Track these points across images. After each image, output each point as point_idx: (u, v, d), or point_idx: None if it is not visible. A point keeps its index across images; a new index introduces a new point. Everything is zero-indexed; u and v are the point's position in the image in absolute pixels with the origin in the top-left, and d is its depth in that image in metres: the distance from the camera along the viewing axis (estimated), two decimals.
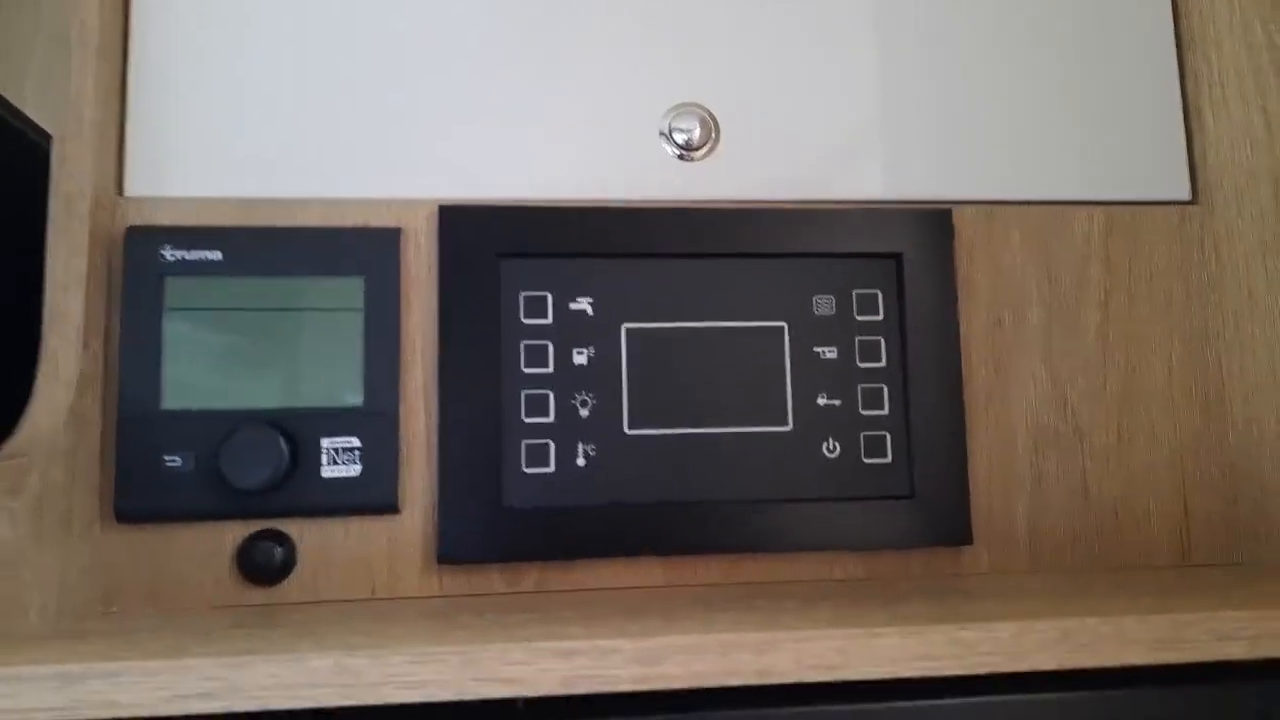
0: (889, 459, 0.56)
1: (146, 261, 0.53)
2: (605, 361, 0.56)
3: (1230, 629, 0.41)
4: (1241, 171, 0.60)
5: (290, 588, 0.53)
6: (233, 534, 0.53)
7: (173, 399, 0.53)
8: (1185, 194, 0.61)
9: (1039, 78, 0.61)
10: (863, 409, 0.57)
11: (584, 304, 0.56)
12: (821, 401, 0.57)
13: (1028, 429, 0.58)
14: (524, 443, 0.55)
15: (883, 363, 0.57)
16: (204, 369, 0.53)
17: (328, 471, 0.53)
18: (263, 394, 0.53)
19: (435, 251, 0.56)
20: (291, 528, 0.53)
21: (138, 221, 0.54)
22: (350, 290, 0.55)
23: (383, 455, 0.53)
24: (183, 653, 0.37)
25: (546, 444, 0.55)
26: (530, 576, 0.54)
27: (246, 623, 0.46)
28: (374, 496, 0.53)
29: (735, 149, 0.59)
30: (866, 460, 0.56)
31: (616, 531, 0.54)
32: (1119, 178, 0.61)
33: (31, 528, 0.46)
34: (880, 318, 0.58)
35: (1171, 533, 0.58)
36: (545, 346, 0.56)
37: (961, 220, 0.59)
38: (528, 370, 0.55)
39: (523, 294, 0.56)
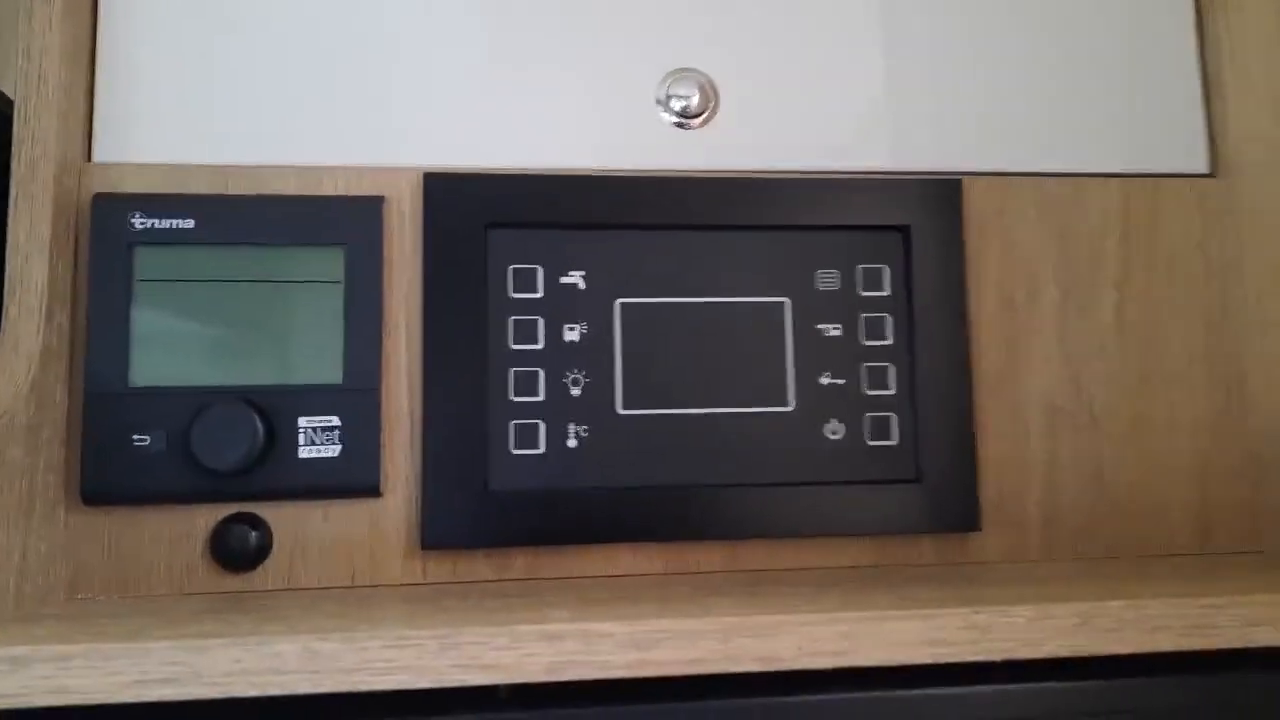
0: (895, 441, 0.54)
1: (114, 230, 0.51)
2: (598, 338, 0.53)
3: (1263, 615, 0.38)
4: (1261, 145, 0.58)
5: (266, 574, 0.50)
6: (205, 517, 0.50)
7: (142, 375, 0.50)
8: (1204, 167, 0.59)
9: (1052, 44, 0.59)
10: (868, 389, 0.54)
11: (576, 277, 0.54)
12: (824, 381, 0.54)
13: (1040, 411, 0.55)
14: (512, 423, 0.52)
15: (889, 340, 0.55)
16: (175, 344, 0.51)
17: (305, 452, 0.50)
18: (237, 370, 0.51)
19: (420, 221, 0.53)
20: (267, 511, 0.50)
21: (105, 188, 0.51)
22: (330, 261, 0.52)
23: (363, 435, 0.51)
24: (141, 636, 0.35)
25: (536, 424, 0.52)
26: (519, 563, 0.52)
27: (215, 608, 0.43)
28: (354, 478, 0.51)
29: (735, 117, 0.57)
30: (871, 442, 0.54)
31: (610, 516, 0.52)
32: (1136, 150, 0.58)
33: None
34: (887, 293, 0.55)
35: (1190, 519, 0.55)
36: (535, 322, 0.53)
37: (972, 192, 0.56)
38: (516, 347, 0.53)
39: (512, 267, 0.53)
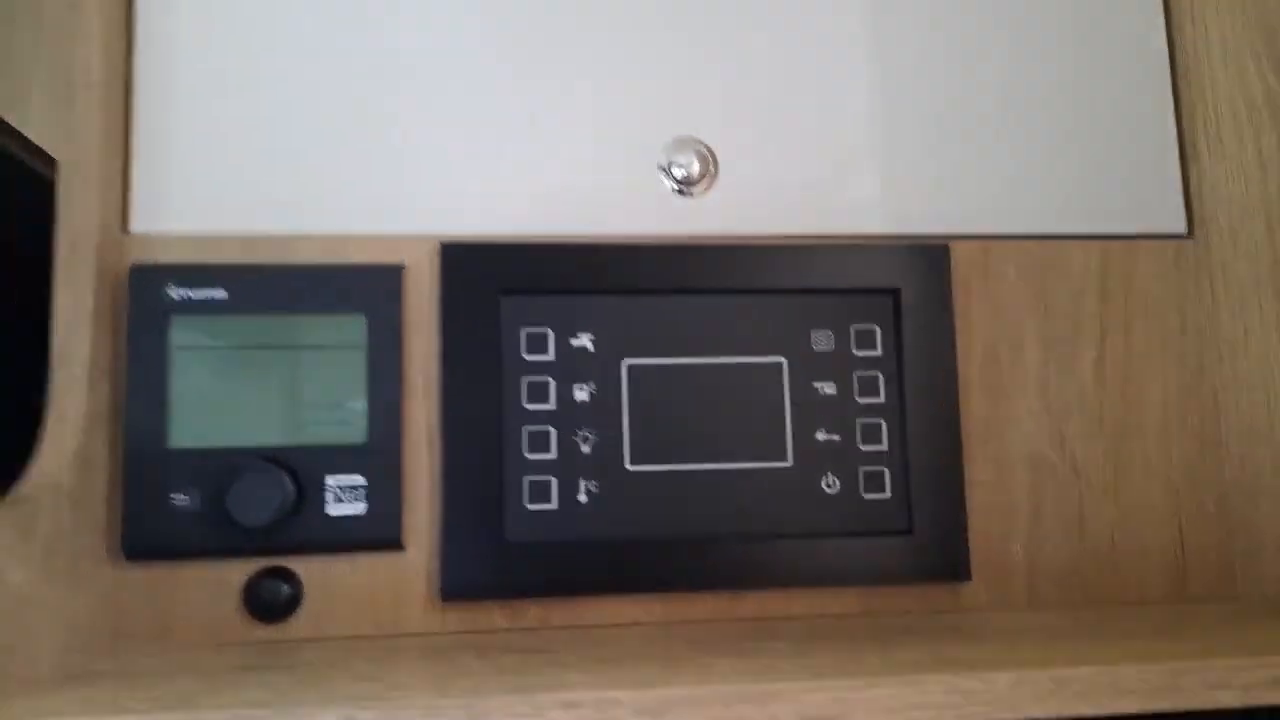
0: (888, 494, 0.57)
1: (152, 300, 0.54)
2: (606, 398, 0.56)
3: (1223, 678, 0.41)
4: (1236, 207, 0.61)
5: (296, 624, 0.53)
6: (239, 571, 0.53)
7: (179, 437, 0.53)
8: (1181, 228, 0.62)
9: (1035, 113, 0.62)
10: (862, 444, 0.57)
11: (585, 340, 0.57)
12: (821, 437, 0.57)
13: (1025, 463, 0.58)
14: (526, 479, 0.55)
15: (881, 398, 0.58)
16: (209, 407, 0.54)
17: (333, 509, 0.53)
18: (268, 431, 0.54)
19: (437, 288, 0.56)
20: (297, 565, 0.54)
21: (142, 259, 0.55)
22: (353, 327, 0.55)
23: (387, 492, 0.54)
24: (192, 704, 0.38)
25: (549, 480, 0.56)
26: (532, 612, 0.55)
27: (254, 664, 0.46)
28: (378, 533, 0.54)
29: (733, 183, 0.60)
30: (865, 495, 0.57)
31: (618, 568, 0.55)
32: (1115, 212, 0.62)
33: (42, 570, 0.46)
34: (878, 353, 0.58)
35: (1167, 567, 0.59)
36: (547, 383, 0.56)
37: (958, 255, 0.59)
38: (529, 406, 0.56)
39: (524, 330, 0.57)
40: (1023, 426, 0.59)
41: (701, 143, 0.60)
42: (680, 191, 0.59)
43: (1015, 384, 0.59)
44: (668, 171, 0.59)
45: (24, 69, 0.90)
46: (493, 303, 0.56)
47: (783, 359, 0.57)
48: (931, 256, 0.59)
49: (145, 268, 0.54)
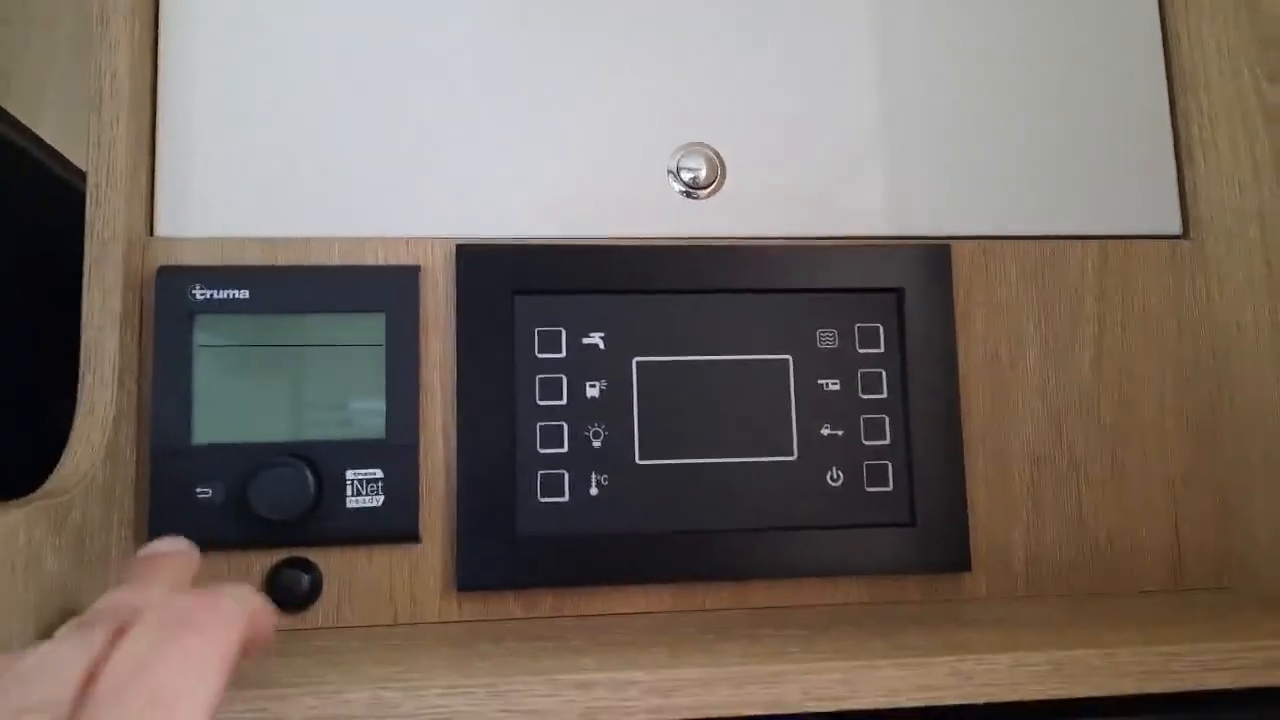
0: (890, 488, 0.58)
1: (177, 301, 0.55)
2: (617, 394, 0.58)
3: (1216, 660, 0.43)
4: (1230, 210, 0.62)
5: (316, 614, 0.55)
6: (261, 562, 0.55)
7: (203, 433, 0.55)
8: (1177, 229, 0.64)
9: (1035, 117, 0.63)
10: (865, 439, 0.59)
11: (596, 339, 0.58)
12: (825, 432, 0.59)
13: (1025, 459, 0.60)
14: (539, 473, 0.57)
15: (884, 394, 0.59)
16: (232, 404, 0.55)
17: (352, 502, 0.55)
18: (289, 427, 0.56)
19: (453, 288, 0.58)
20: (317, 556, 0.55)
21: (167, 261, 0.56)
22: (372, 326, 0.57)
23: (404, 486, 0.56)
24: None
25: (561, 474, 0.57)
26: (545, 602, 0.57)
27: (275, 649, 0.48)
28: (396, 526, 0.55)
29: (741, 187, 0.61)
30: (869, 489, 0.58)
31: (629, 559, 0.56)
32: (1113, 213, 0.63)
33: (74, 560, 0.48)
34: (882, 351, 0.60)
35: (1164, 560, 0.60)
36: (559, 380, 0.58)
37: (959, 255, 0.61)
38: (542, 403, 0.58)
39: (537, 329, 0.58)
40: (1022, 422, 0.60)
41: (710, 147, 0.61)
42: (689, 194, 0.61)
43: (1015, 381, 0.61)
44: (676, 175, 0.61)
45: (53, 77, 0.93)
46: (507, 302, 0.58)
47: (789, 356, 0.59)
48: (933, 257, 0.60)
49: (171, 269, 0.56)
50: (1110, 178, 0.64)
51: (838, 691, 0.41)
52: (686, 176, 0.61)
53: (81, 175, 0.66)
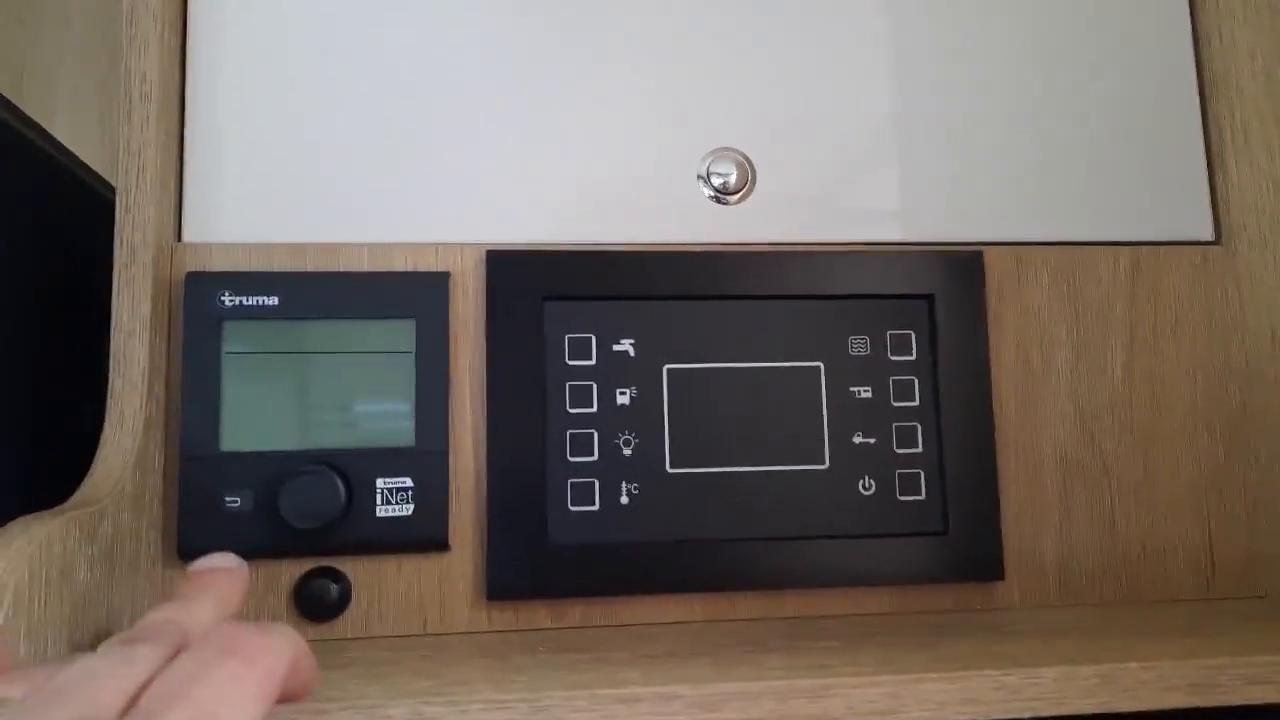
0: (923, 496, 0.58)
1: (205, 307, 0.55)
2: (648, 402, 0.58)
3: (1261, 673, 0.42)
4: (1263, 215, 0.62)
5: (345, 623, 0.54)
6: (290, 571, 0.54)
7: (232, 441, 0.54)
8: (1209, 235, 0.63)
9: (1067, 123, 0.63)
10: (897, 447, 0.58)
11: (626, 345, 0.58)
12: (857, 440, 0.58)
13: (1056, 465, 0.60)
14: (569, 482, 0.57)
15: (916, 402, 0.59)
16: (261, 411, 0.55)
17: (381, 510, 0.55)
18: (318, 435, 0.55)
19: (483, 295, 0.57)
20: (346, 565, 0.55)
21: (195, 267, 0.56)
22: (401, 333, 0.56)
23: (434, 494, 0.55)
24: None
25: (591, 483, 0.57)
26: (575, 612, 0.56)
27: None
28: (426, 535, 0.55)
29: (771, 192, 0.61)
30: (901, 497, 0.58)
31: (659, 568, 0.56)
32: (1144, 219, 0.63)
33: (106, 570, 0.48)
34: (913, 358, 0.59)
35: (1195, 566, 0.60)
36: (589, 387, 0.57)
37: (991, 261, 0.61)
38: (573, 410, 0.57)
39: (567, 336, 0.58)
40: (1054, 429, 0.60)
41: (740, 152, 0.61)
42: (718, 200, 0.61)
43: (1047, 387, 0.60)
44: (706, 180, 0.60)
45: (65, 77, 0.92)
46: (536, 309, 0.57)
47: (820, 364, 0.59)
48: (965, 263, 0.60)
49: (200, 275, 0.55)
50: (1141, 184, 0.63)
51: (884, 705, 0.40)
52: (716, 182, 0.60)
53: (95, 175, 0.66)
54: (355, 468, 0.55)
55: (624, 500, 0.57)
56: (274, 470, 0.54)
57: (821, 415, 0.58)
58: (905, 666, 0.42)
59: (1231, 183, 0.63)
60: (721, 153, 0.61)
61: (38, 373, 0.58)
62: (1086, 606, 0.58)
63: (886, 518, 0.58)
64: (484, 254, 0.58)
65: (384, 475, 0.55)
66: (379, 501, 0.55)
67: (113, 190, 0.53)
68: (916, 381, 0.59)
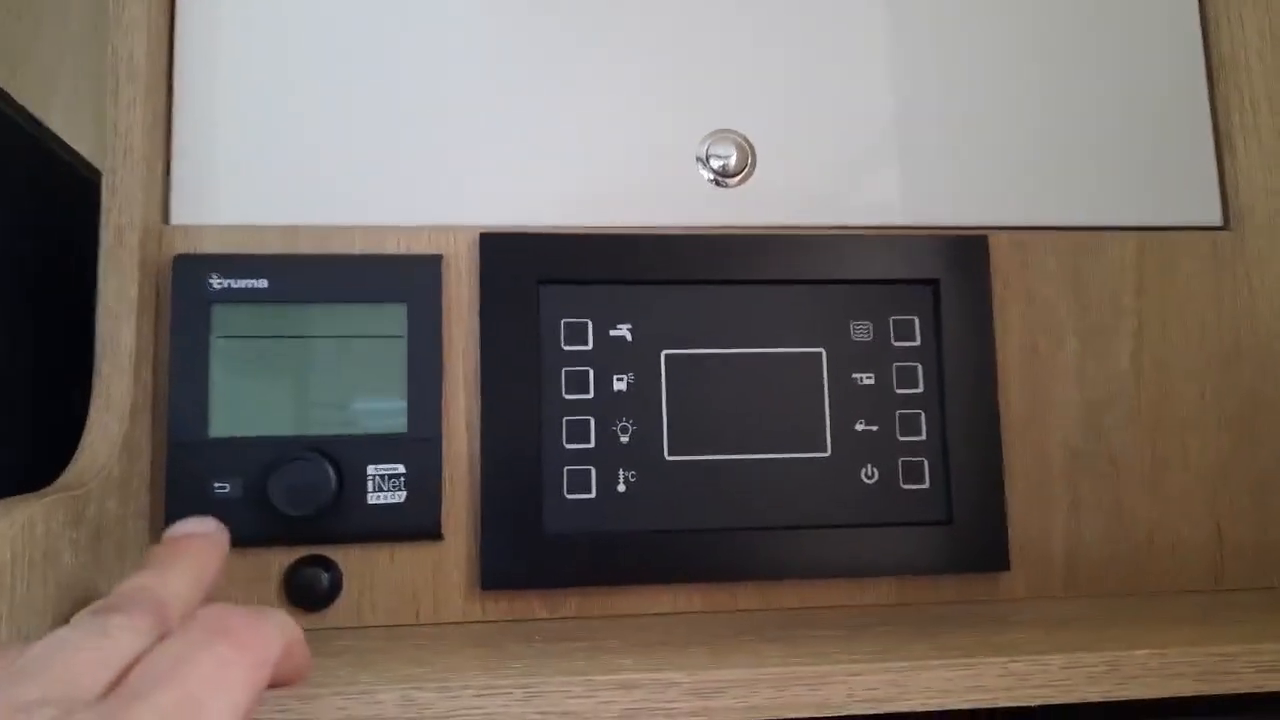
0: (927, 484, 0.57)
1: (194, 290, 0.54)
2: (645, 388, 0.56)
3: (1272, 661, 0.41)
4: (1273, 198, 0.61)
5: (336, 613, 0.53)
6: (280, 560, 0.53)
7: (220, 427, 0.53)
8: (1217, 219, 0.62)
9: (1072, 106, 0.62)
10: (900, 435, 0.57)
11: (623, 330, 0.57)
12: (860, 427, 0.57)
13: (1063, 454, 0.58)
14: (565, 469, 0.55)
15: (920, 389, 0.58)
16: (250, 396, 0.54)
17: (373, 498, 0.54)
18: (309, 421, 0.54)
19: (476, 278, 0.56)
20: (337, 553, 0.54)
21: (184, 250, 0.55)
22: (393, 317, 0.55)
23: (426, 482, 0.54)
24: None
25: (588, 470, 0.56)
26: (571, 602, 0.55)
27: None
28: (418, 523, 0.54)
29: (771, 175, 0.60)
30: (904, 486, 0.57)
31: (657, 558, 0.55)
32: (1151, 204, 0.62)
33: (91, 555, 0.46)
34: (917, 344, 0.58)
35: (1204, 557, 0.59)
36: (585, 373, 0.56)
37: (996, 246, 0.59)
38: (569, 396, 0.56)
39: (563, 320, 0.57)
40: (1060, 417, 0.59)
41: (739, 134, 0.60)
42: (718, 183, 0.59)
43: (1053, 375, 0.59)
44: (706, 163, 0.59)
45: (69, 62, 0.91)
46: (531, 293, 0.56)
47: (822, 350, 0.58)
48: (970, 248, 0.59)
49: (188, 258, 0.54)
50: (1149, 168, 0.62)
51: (886, 693, 0.39)
52: (716, 164, 0.59)
53: (91, 167, 0.65)
54: (346, 454, 0.54)
55: (621, 488, 0.56)
56: (263, 456, 0.53)
57: (823, 402, 0.57)
58: (908, 655, 0.41)
59: (1240, 167, 0.62)
60: (721, 134, 0.60)
61: (27, 359, 0.57)
62: (1093, 598, 0.57)
63: (889, 507, 0.57)
64: (478, 237, 0.56)
65: (375, 462, 0.54)
66: (370, 489, 0.54)
67: None
68: (920, 368, 0.58)
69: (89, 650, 0.29)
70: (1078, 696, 0.40)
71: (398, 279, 0.56)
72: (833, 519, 0.56)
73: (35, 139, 0.60)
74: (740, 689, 0.39)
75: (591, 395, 0.56)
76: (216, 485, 0.53)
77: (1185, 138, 0.63)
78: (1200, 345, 0.60)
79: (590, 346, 0.57)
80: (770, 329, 0.57)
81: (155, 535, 0.52)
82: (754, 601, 0.56)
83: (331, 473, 0.52)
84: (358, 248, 0.56)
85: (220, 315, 0.54)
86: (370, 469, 0.54)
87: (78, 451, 0.48)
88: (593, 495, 0.55)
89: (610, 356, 0.57)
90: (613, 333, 0.57)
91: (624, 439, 0.56)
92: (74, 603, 0.45)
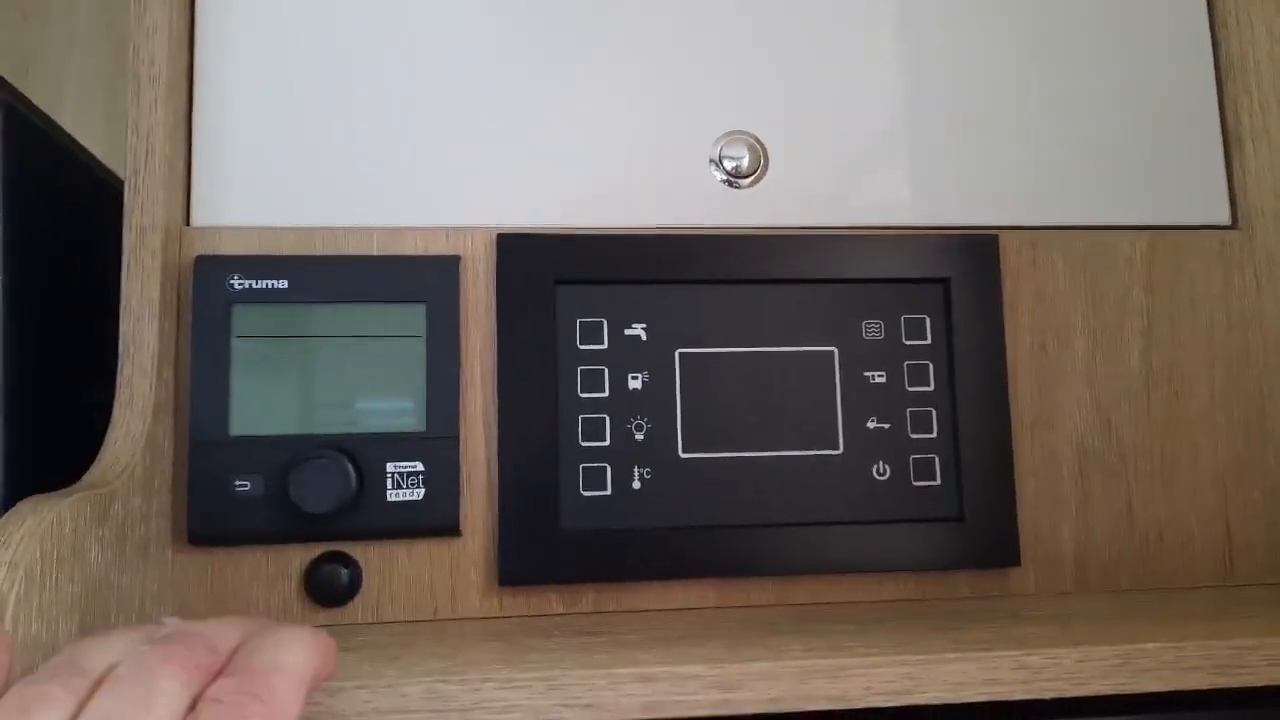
0: (938, 481, 0.57)
1: (215, 290, 0.55)
2: (660, 386, 0.57)
3: None
4: None
5: (356, 609, 0.54)
6: (300, 556, 0.54)
7: (241, 425, 0.54)
8: (1225, 218, 0.63)
9: (1082, 106, 0.63)
10: (912, 432, 0.58)
11: (638, 329, 0.58)
12: (871, 425, 0.58)
13: (1073, 452, 0.59)
14: (581, 466, 0.56)
15: (931, 387, 0.58)
16: (271, 395, 0.54)
17: (392, 495, 0.54)
18: (328, 419, 0.55)
19: (493, 278, 0.57)
20: (357, 550, 0.54)
21: (205, 251, 0.55)
22: (412, 317, 0.56)
23: (444, 479, 0.55)
24: None
25: (603, 468, 0.56)
26: (587, 597, 0.56)
27: None
28: (436, 519, 0.55)
29: (784, 176, 0.61)
30: (916, 483, 0.57)
31: (672, 554, 0.55)
32: (1161, 203, 0.62)
33: (116, 553, 0.47)
34: (928, 342, 0.59)
35: (1214, 555, 0.59)
36: (601, 371, 0.57)
37: (1006, 245, 0.60)
38: (584, 395, 0.57)
39: (579, 320, 0.57)
40: (1071, 415, 0.59)
41: (752, 135, 0.60)
42: (731, 184, 0.60)
43: (1063, 373, 0.60)
44: (719, 164, 0.60)
45: (76, 62, 0.92)
46: (548, 293, 0.57)
47: (834, 348, 0.58)
48: (980, 247, 0.59)
49: (209, 259, 0.55)
50: (1158, 167, 0.63)
51: (903, 685, 0.40)
52: (729, 165, 0.60)
53: (102, 166, 0.66)
54: (365, 452, 0.54)
55: (636, 485, 0.56)
56: (284, 455, 0.53)
57: (835, 400, 0.58)
58: (924, 648, 0.41)
59: (1249, 167, 0.62)
60: (734, 136, 0.60)
61: (48, 360, 0.57)
62: (1104, 594, 0.57)
63: (901, 503, 0.57)
64: (495, 237, 0.57)
65: (394, 460, 0.54)
66: (389, 486, 0.54)
67: (119, 179, 0.53)
68: (931, 366, 0.59)
69: None
70: (1092, 690, 0.40)
71: (416, 279, 0.56)
72: (845, 515, 0.57)
73: (50, 138, 0.61)
74: (761, 681, 0.39)
75: (607, 394, 0.57)
76: (237, 483, 0.53)
77: (1194, 137, 0.63)
78: (1209, 343, 0.61)
79: (606, 346, 0.57)
80: (783, 328, 0.58)
81: (178, 533, 0.53)
82: (767, 597, 0.56)
83: (351, 470, 0.53)
84: (376, 249, 0.57)
85: (241, 315, 0.55)
86: (389, 467, 0.54)
87: (101, 451, 0.49)
88: (608, 492, 0.56)
89: (625, 355, 0.57)
90: (628, 332, 0.57)
91: (639, 437, 0.57)
92: (100, 600, 0.46)
